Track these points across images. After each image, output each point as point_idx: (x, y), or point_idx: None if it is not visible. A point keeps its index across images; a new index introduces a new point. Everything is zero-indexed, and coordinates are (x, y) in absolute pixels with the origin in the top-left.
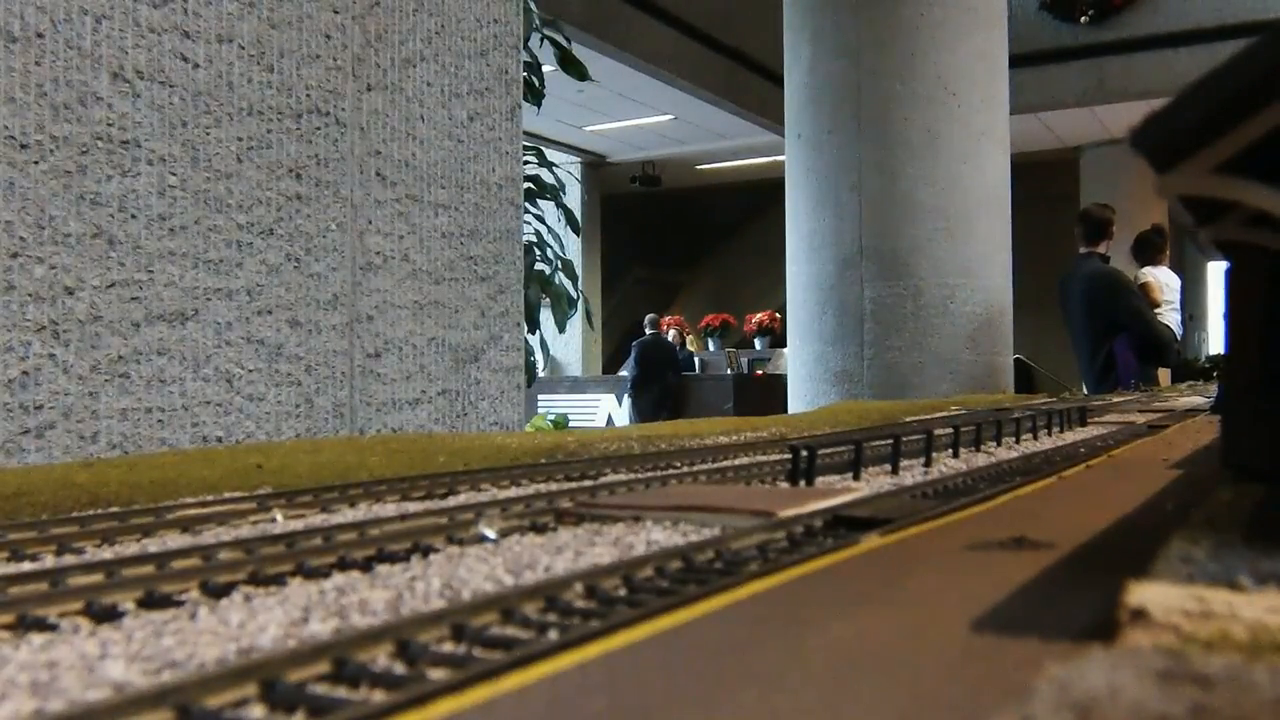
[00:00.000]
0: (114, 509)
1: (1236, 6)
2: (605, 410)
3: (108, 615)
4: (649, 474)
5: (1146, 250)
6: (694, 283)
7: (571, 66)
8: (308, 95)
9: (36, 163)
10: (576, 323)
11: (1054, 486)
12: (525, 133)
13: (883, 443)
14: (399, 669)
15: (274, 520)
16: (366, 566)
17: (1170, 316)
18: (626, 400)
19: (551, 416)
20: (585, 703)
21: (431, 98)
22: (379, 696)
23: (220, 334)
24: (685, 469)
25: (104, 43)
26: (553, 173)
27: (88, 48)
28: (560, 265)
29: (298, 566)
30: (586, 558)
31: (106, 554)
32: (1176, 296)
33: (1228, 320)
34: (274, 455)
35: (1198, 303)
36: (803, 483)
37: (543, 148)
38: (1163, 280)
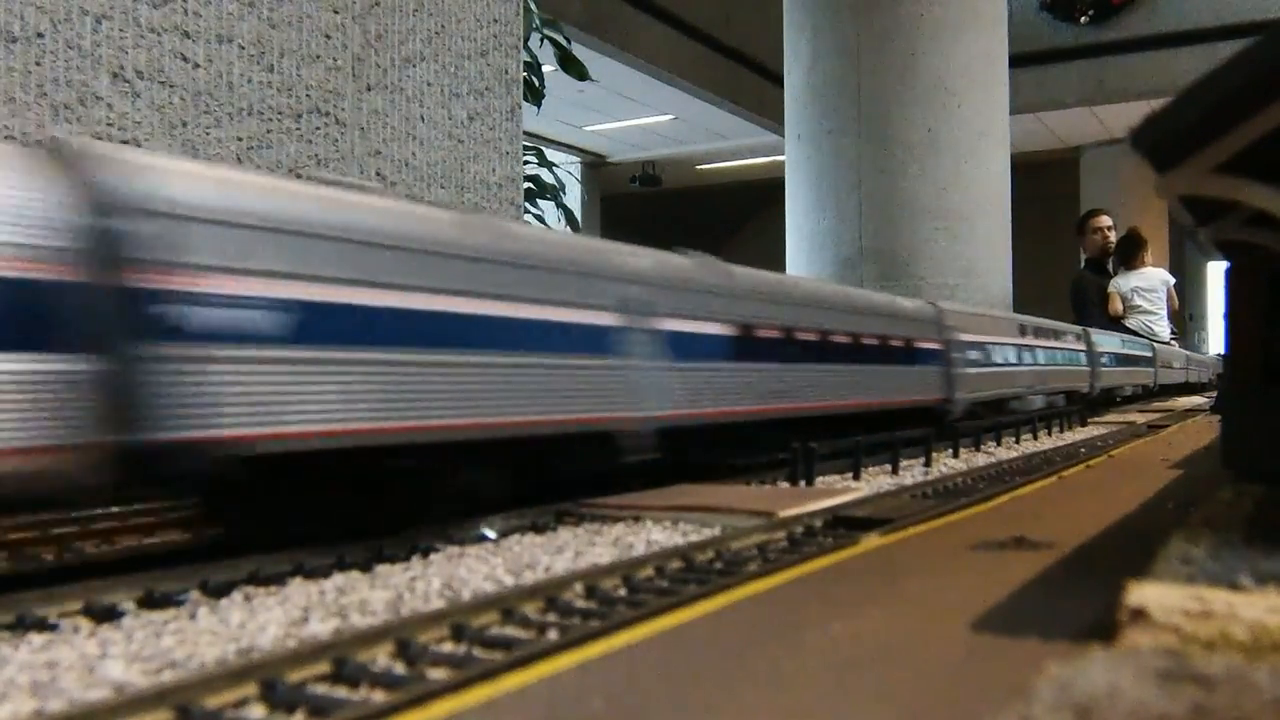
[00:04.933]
0: (114, 509)
1: (1236, 6)
2: None
3: (108, 615)
4: None
5: (1121, 254)
6: None
7: (571, 66)
8: (308, 95)
9: None
10: None
11: (1054, 486)
12: (525, 133)
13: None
14: (399, 669)
15: None
16: (366, 566)
17: (1136, 320)
18: None
19: None
20: (585, 703)
21: (431, 98)
22: (379, 696)
23: None
24: None
25: (104, 43)
26: (553, 173)
27: (88, 48)
28: None
29: (297, 566)
30: (586, 558)
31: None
32: (1154, 297)
33: (1228, 320)
34: None
35: (1198, 303)
36: (803, 483)
37: (543, 148)
38: (1127, 286)
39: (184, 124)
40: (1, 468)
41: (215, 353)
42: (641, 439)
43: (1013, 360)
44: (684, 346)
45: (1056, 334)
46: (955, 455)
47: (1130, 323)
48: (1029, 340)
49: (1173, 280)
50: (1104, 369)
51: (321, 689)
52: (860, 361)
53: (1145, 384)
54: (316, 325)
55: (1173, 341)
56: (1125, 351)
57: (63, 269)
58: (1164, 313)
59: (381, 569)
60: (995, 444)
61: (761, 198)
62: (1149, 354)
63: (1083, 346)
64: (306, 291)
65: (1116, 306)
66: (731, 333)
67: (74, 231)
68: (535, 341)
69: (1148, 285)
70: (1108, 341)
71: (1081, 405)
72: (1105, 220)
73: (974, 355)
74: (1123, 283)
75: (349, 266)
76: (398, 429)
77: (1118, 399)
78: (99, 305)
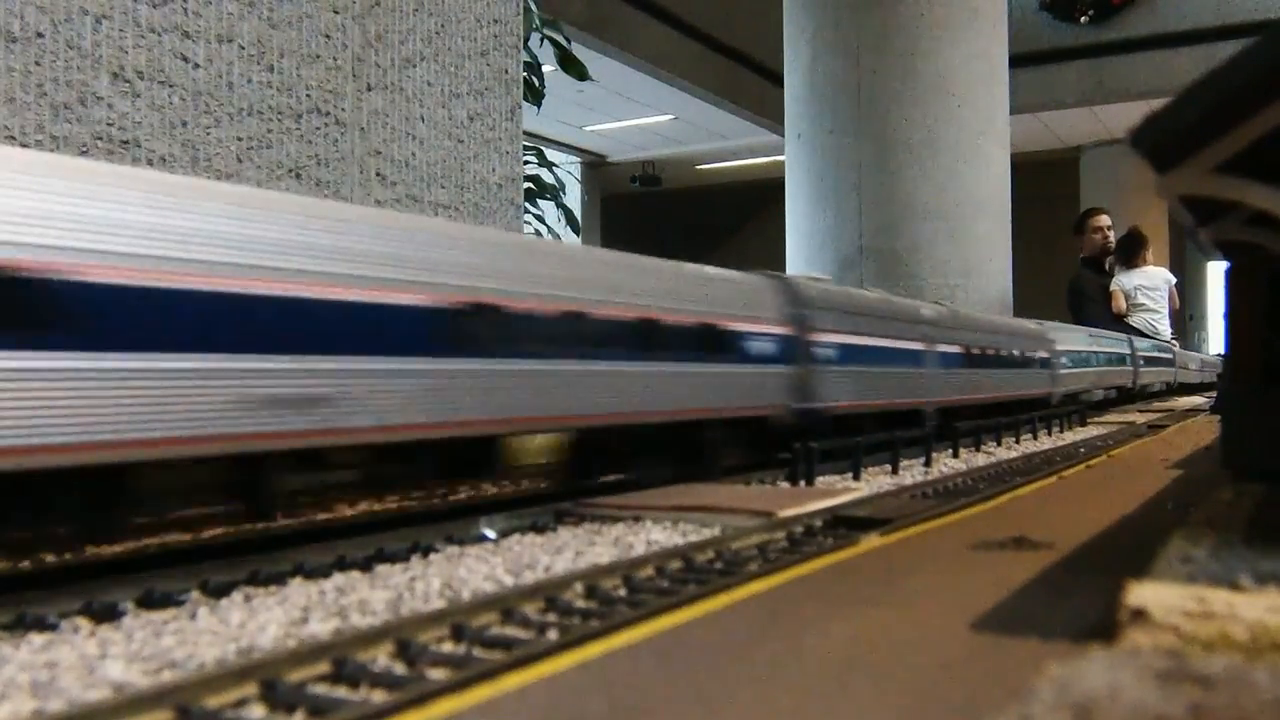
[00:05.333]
0: None
1: (1236, 6)
2: None
3: (108, 615)
4: None
5: (1124, 252)
6: None
7: (571, 66)
8: (308, 95)
9: None
10: None
11: (1054, 486)
12: (525, 133)
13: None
14: (399, 669)
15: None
16: (366, 566)
17: (1139, 318)
18: None
19: None
20: (585, 703)
21: (431, 98)
22: (379, 696)
23: None
24: None
25: (104, 43)
26: (553, 173)
27: (88, 48)
28: None
29: (297, 567)
30: (586, 558)
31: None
32: (1158, 295)
33: (1228, 320)
34: None
35: (1198, 303)
36: (803, 483)
37: (543, 148)
38: (1130, 285)
39: (184, 124)
40: (772, 414)
41: (823, 369)
42: (931, 414)
43: (1087, 363)
44: (945, 361)
45: (1112, 341)
46: (955, 455)
47: (1134, 321)
48: (1096, 347)
49: (1174, 280)
50: (1142, 369)
51: (321, 689)
52: (1014, 367)
53: (1169, 381)
54: (849, 354)
55: (1174, 341)
56: (1156, 355)
57: (789, 329)
58: (1166, 312)
59: (381, 569)
60: (995, 444)
61: (761, 198)
62: (1171, 357)
63: (1128, 350)
64: (848, 339)
65: (1120, 304)
66: (961, 351)
67: (791, 314)
68: (898, 359)
69: (1151, 284)
70: (1144, 346)
71: (1084, 401)
72: (1104, 220)
73: (1065, 360)
74: (1126, 281)
75: (856, 326)
76: (871, 404)
77: (1148, 392)
78: (796, 346)
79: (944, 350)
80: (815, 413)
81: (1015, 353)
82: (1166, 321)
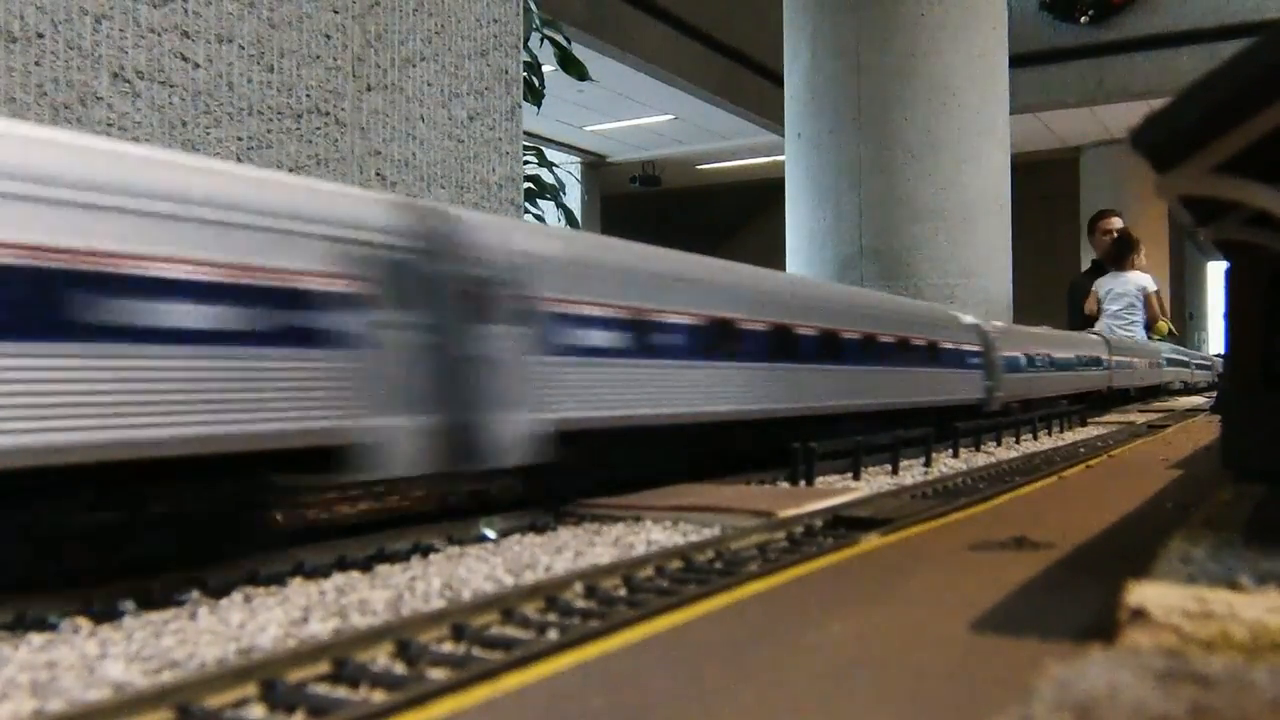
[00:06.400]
0: None
1: (1236, 6)
2: None
3: (108, 615)
4: None
5: (1113, 255)
6: None
7: (571, 66)
8: (308, 95)
9: None
10: None
11: (1054, 486)
12: (525, 133)
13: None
14: (399, 669)
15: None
16: (366, 566)
17: (1104, 323)
18: None
19: None
20: (585, 703)
21: (431, 98)
22: (379, 696)
23: None
24: None
25: (104, 43)
26: (553, 173)
27: (88, 48)
28: None
29: (297, 566)
30: (586, 558)
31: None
32: (1124, 301)
33: (1228, 320)
34: None
35: (1198, 303)
36: (803, 483)
37: (543, 148)
38: (1104, 288)
39: (184, 124)
40: (1104, 389)
41: (1118, 370)
42: (1135, 391)
43: (1175, 366)
44: (1151, 365)
45: (1178, 350)
46: (955, 455)
47: (1099, 325)
48: (1179, 356)
49: (1154, 287)
50: (1194, 370)
51: (321, 689)
52: (1155, 368)
53: (1209, 380)
54: (1124, 365)
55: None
56: (1200, 361)
57: (1106, 355)
58: (1139, 318)
59: (381, 569)
60: (995, 444)
61: (761, 198)
62: (1209, 362)
63: (1187, 358)
64: (1126, 359)
65: (1091, 306)
66: (1126, 361)
67: (1106, 347)
68: (1140, 366)
69: (1122, 289)
70: (1189, 353)
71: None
72: (1114, 223)
73: (1167, 364)
74: (1102, 284)
75: (1127, 353)
76: (1130, 385)
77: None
78: (1109, 363)
79: (1127, 360)
80: (1115, 389)
81: (1148, 360)
82: (1137, 328)
